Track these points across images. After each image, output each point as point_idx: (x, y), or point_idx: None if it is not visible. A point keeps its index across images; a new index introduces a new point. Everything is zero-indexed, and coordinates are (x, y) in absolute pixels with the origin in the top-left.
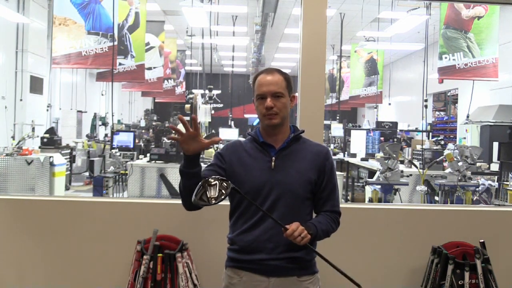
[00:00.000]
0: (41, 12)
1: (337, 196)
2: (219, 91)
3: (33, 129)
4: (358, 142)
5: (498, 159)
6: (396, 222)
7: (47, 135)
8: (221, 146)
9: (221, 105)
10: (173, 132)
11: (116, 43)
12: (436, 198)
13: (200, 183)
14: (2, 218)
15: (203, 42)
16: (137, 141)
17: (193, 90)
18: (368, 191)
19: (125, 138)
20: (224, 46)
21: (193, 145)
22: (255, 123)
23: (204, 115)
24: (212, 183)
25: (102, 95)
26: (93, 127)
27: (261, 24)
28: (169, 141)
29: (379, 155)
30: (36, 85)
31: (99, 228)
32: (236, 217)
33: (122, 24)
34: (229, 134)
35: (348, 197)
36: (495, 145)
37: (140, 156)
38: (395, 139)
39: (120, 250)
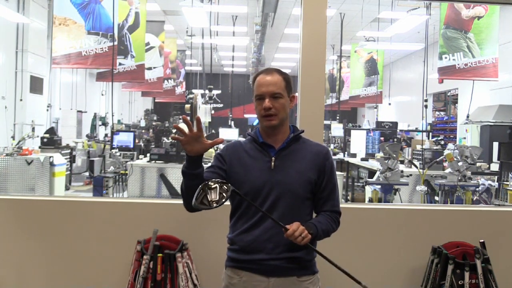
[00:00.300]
0: (41, 12)
1: (337, 196)
2: (219, 91)
3: (33, 129)
4: (358, 142)
5: (498, 159)
6: (396, 222)
7: (47, 135)
8: (221, 146)
9: (221, 105)
10: (175, 132)
11: (116, 43)
12: (436, 198)
13: (200, 186)
14: (2, 218)
15: (203, 42)
16: (137, 141)
17: (193, 90)
18: (368, 191)
19: (125, 138)
20: (224, 46)
21: (196, 146)
22: (255, 123)
23: (204, 115)
24: (212, 187)
25: (102, 95)
26: (93, 127)
27: (261, 24)
28: (169, 141)
29: (379, 155)
30: (36, 85)
31: (99, 228)
32: (237, 218)
33: (122, 24)
34: (229, 134)
35: (348, 197)
36: (495, 145)
37: (140, 156)
38: (395, 139)
39: (120, 250)
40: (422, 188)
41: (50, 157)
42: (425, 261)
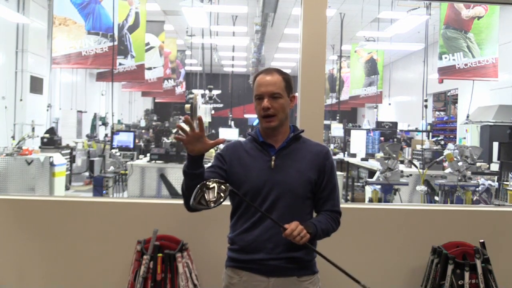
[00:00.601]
0: (41, 12)
1: (337, 195)
2: (219, 91)
3: (33, 129)
4: (358, 142)
5: (498, 159)
6: (396, 222)
7: (47, 135)
8: (221, 146)
9: (221, 105)
10: (176, 131)
11: (116, 43)
12: (436, 198)
13: (198, 186)
14: (2, 218)
15: (203, 42)
16: (137, 141)
17: (193, 90)
18: (368, 191)
19: (125, 138)
20: (224, 46)
21: (197, 146)
22: (255, 123)
23: (204, 115)
24: (210, 187)
25: (102, 95)
26: (93, 127)
27: (261, 24)
28: (169, 141)
29: (379, 155)
30: (36, 85)
31: (99, 228)
32: (237, 217)
33: (122, 24)
34: (229, 134)
35: (348, 197)
36: (495, 145)
37: (140, 156)
38: (395, 139)
39: (120, 250)
40: (422, 188)
41: (50, 157)
42: (425, 261)
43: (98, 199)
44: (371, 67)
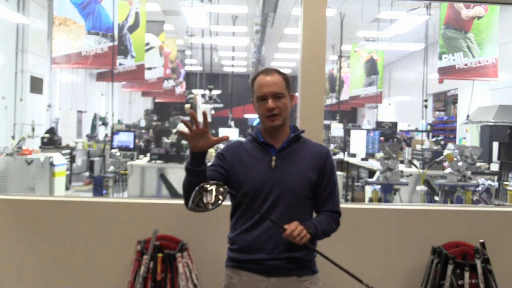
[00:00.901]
0: (41, 12)
1: (337, 196)
2: (219, 91)
3: (33, 129)
4: (358, 142)
5: (498, 159)
6: (396, 222)
7: (47, 135)
8: (221, 146)
9: (221, 105)
10: (176, 132)
11: (116, 43)
12: (436, 198)
13: (196, 189)
14: (2, 218)
15: (203, 42)
16: (137, 141)
17: (193, 90)
18: (368, 191)
19: (125, 138)
20: (224, 46)
21: (201, 142)
22: (255, 123)
23: None
24: (208, 189)
25: (102, 95)
26: (93, 127)
27: (261, 24)
28: (169, 141)
29: (379, 155)
30: (36, 85)
31: (99, 228)
32: (237, 217)
33: (122, 24)
34: (229, 134)
35: (348, 197)
36: (495, 145)
37: (140, 156)
38: (395, 139)
39: (120, 250)
40: (422, 188)
41: (50, 157)
42: (425, 261)
43: (98, 199)
44: (371, 67)
